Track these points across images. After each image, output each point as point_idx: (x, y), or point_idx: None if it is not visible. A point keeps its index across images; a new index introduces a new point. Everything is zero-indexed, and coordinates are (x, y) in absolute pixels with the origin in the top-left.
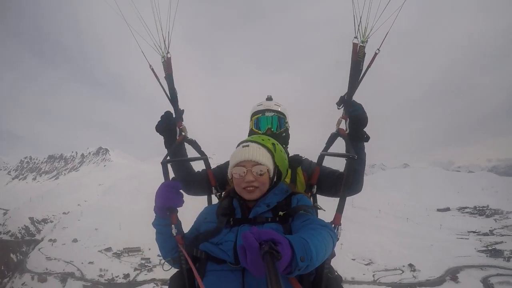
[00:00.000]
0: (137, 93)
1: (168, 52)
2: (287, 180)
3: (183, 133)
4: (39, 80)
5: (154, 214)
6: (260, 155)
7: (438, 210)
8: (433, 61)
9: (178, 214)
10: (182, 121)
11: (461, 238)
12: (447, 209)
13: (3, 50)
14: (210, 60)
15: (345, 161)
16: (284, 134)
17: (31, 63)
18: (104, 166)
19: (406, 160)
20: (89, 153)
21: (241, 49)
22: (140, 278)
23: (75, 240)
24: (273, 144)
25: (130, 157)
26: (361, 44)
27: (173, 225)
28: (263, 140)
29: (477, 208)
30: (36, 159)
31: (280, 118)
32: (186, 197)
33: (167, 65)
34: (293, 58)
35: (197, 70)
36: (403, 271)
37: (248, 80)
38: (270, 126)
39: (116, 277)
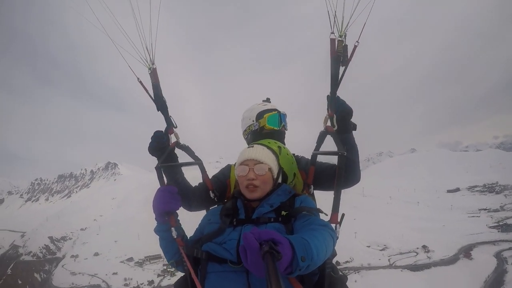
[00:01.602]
0: (137, 103)
1: (153, 63)
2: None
3: (175, 139)
4: (45, 105)
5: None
6: (262, 154)
7: (448, 191)
8: (431, 44)
9: (180, 218)
10: (175, 127)
11: (472, 217)
12: (457, 190)
13: None
14: (207, 61)
15: (337, 158)
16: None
17: (25, 81)
18: (115, 180)
19: (413, 145)
20: (98, 168)
21: (237, 49)
22: (164, 283)
23: (96, 254)
24: (279, 147)
25: (138, 168)
26: (339, 39)
27: (172, 228)
28: (269, 143)
29: (487, 186)
30: (47, 179)
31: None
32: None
33: (153, 75)
34: (286, 57)
35: (195, 73)
36: (417, 253)
37: (245, 80)
38: (284, 123)
39: (141, 284)
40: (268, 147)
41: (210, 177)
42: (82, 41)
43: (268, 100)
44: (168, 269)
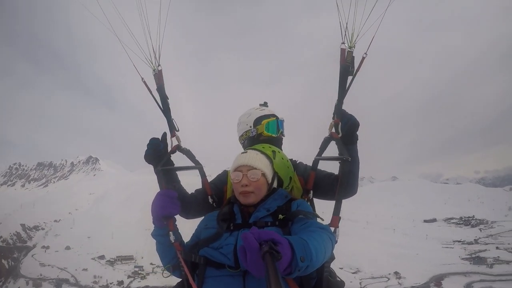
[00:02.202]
0: (126, 103)
1: (159, 65)
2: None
3: (177, 143)
4: (31, 87)
5: (152, 225)
6: (256, 160)
7: (425, 221)
8: (419, 77)
9: (178, 224)
10: (177, 130)
11: (446, 247)
12: (434, 220)
13: None
14: (202, 69)
15: (339, 164)
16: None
17: (23, 70)
18: (94, 175)
19: (395, 173)
20: (79, 161)
21: (235, 61)
22: (134, 285)
23: (68, 248)
24: (273, 151)
25: (119, 167)
26: (349, 50)
27: (170, 232)
28: (263, 147)
29: (463, 219)
30: (25, 165)
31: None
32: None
33: (158, 77)
34: (286, 71)
35: (193, 83)
36: (388, 279)
37: (239, 91)
38: (282, 130)
39: (111, 283)
40: (262, 152)
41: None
42: (78, 31)
43: (265, 104)
44: (139, 272)
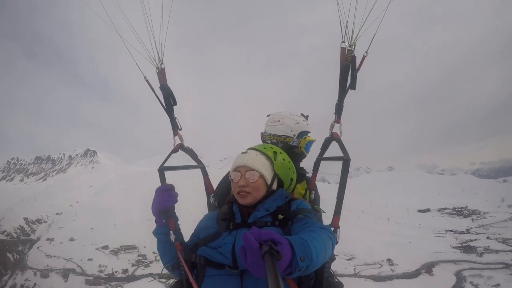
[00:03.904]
0: (122, 95)
1: (162, 63)
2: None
3: (179, 142)
4: (26, 81)
5: (153, 216)
6: (255, 161)
7: (419, 211)
8: (419, 68)
9: (179, 221)
10: (180, 129)
11: (439, 236)
12: (427, 210)
13: None
14: (200, 60)
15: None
16: None
17: (20, 64)
18: (92, 168)
19: (391, 163)
20: (77, 154)
21: (233, 52)
22: (138, 272)
23: (72, 239)
24: (275, 152)
25: (117, 159)
26: (349, 48)
27: (171, 232)
28: (265, 148)
29: (456, 209)
30: (23, 160)
31: None
32: (186, 203)
33: (161, 75)
34: (283, 61)
35: (190, 75)
36: (381, 265)
37: (236, 82)
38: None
39: (116, 272)
40: (263, 153)
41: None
42: (76, 25)
43: (307, 117)
44: (143, 260)
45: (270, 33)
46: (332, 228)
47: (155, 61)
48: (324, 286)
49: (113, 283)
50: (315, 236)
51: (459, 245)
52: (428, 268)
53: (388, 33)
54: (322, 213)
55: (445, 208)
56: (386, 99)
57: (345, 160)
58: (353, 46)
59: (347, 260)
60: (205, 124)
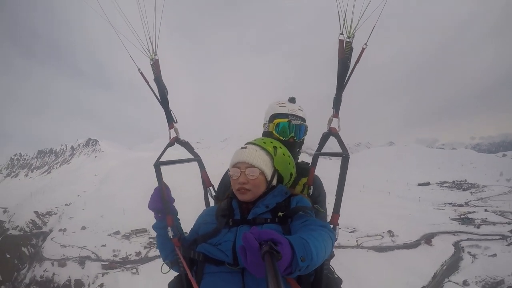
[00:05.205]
0: (119, 82)
1: (155, 55)
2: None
3: (175, 135)
4: (22, 75)
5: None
6: (255, 157)
7: (419, 184)
8: (419, 41)
9: (179, 216)
10: (175, 122)
11: (438, 209)
12: (427, 184)
13: None
14: (195, 46)
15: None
16: (302, 141)
17: (14, 59)
18: (96, 157)
19: (391, 138)
20: (79, 145)
21: (225, 32)
22: (151, 254)
23: (83, 228)
24: (275, 147)
25: (119, 146)
26: (348, 40)
27: (169, 228)
28: (264, 143)
29: (455, 182)
30: (26, 155)
31: (305, 127)
32: (185, 197)
33: (155, 67)
34: (276, 41)
35: (182, 58)
36: (382, 237)
37: (233, 63)
38: (294, 135)
39: (129, 255)
40: (263, 148)
41: (209, 175)
42: (71, 13)
43: (292, 100)
44: (154, 242)
45: (266, 14)
46: (332, 226)
47: (148, 52)
48: (324, 282)
49: (128, 266)
50: (315, 235)
51: (457, 217)
52: (427, 239)
53: (385, 9)
54: (322, 212)
55: (445, 182)
56: (386, 73)
57: (344, 157)
58: (351, 38)
59: (350, 232)
60: (203, 107)
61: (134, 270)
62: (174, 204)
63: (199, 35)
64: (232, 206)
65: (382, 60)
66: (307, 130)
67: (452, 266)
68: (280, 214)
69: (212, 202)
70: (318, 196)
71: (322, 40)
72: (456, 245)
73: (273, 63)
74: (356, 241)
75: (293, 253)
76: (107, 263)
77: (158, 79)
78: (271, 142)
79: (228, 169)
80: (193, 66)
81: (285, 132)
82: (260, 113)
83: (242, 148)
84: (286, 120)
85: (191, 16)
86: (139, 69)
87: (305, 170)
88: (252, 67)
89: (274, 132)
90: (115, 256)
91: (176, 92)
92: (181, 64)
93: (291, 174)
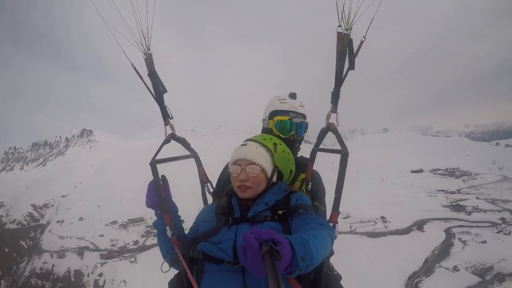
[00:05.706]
0: (112, 72)
1: (149, 49)
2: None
3: (171, 131)
4: (16, 68)
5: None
6: (255, 154)
7: (412, 171)
8: (416, 31)
9: (180, 213)
10: (171, 118)
11: (430, 196)
12: (420, 171)
13: None
14: (190, 34)
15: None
16: (302, 138)
17: (8, 52)
18: (90, 147)
19: (386, 125)
20: (73, 136)
21: (220, 19)
22: (148, 242)
23: (81, 219)
24: (275, 144)
25: (114, 135)
26: (346, 32)
27: (167, 227)
28: (264, 139)
29: (448, 170)
30: (20, 148)
31: (306, 125)
32: (186, 195)
33: (149, 62)
34: (272, 30)
35: (178, 47)
36: (375, 223)
37: (229, 51)
38: (295, 133)
39: (127, 244)
40: (263, 145)
41: (206, 170)
42: (64, 5)
43: (293, 96)
44: (151, 231)
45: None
46: (331, 224)
47: (142, 46)
48: (323, 280)
49: (126, 255)
50: (315, 234)
51: (449, 204)
52: (419, 225)
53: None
54: (322, 209)
55: (438, 169)
56: (383, 60)
57: (343, 154)
58: (349, 30)
59: (344, 218)
60: (198, 95)
61: (132, 259)
62: (174, 200)
63: (192, 22)
64: (231, 203)
65: (378, 47)
66: (307, 127)
67: (443, 252)
68: (280, 212)
69: (210, 199)
70: (317, 192)
71: (320, 29)
72: (448, 231)
73: (268, 52)
74: (350, 226)
75: (293, 253)
76: (105, 252)
77: (152, 74)
78: (271, 139)
79: (226, 165)
80: (187, 55)
81: (285, 130)
82: (254, 101)
83: (242, 145)
84: (287, 117)
85: (185, 2)
86: (132, 64)
87: (304, 166)
88: (247, 55)
89: (274, 129)
90: (113, 245)
91: (170, 81)
92: (175, 53)
93: (291, 171)
